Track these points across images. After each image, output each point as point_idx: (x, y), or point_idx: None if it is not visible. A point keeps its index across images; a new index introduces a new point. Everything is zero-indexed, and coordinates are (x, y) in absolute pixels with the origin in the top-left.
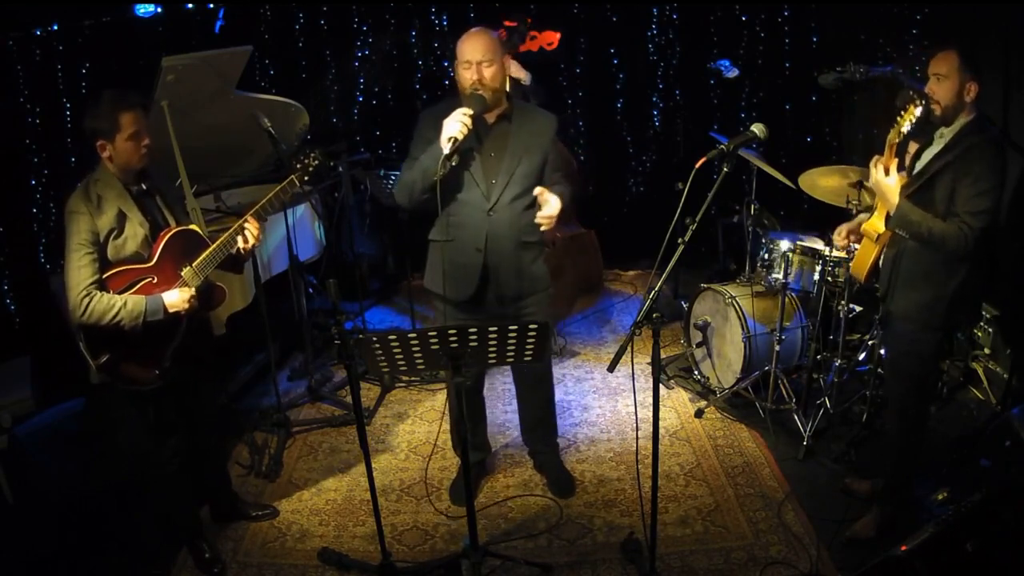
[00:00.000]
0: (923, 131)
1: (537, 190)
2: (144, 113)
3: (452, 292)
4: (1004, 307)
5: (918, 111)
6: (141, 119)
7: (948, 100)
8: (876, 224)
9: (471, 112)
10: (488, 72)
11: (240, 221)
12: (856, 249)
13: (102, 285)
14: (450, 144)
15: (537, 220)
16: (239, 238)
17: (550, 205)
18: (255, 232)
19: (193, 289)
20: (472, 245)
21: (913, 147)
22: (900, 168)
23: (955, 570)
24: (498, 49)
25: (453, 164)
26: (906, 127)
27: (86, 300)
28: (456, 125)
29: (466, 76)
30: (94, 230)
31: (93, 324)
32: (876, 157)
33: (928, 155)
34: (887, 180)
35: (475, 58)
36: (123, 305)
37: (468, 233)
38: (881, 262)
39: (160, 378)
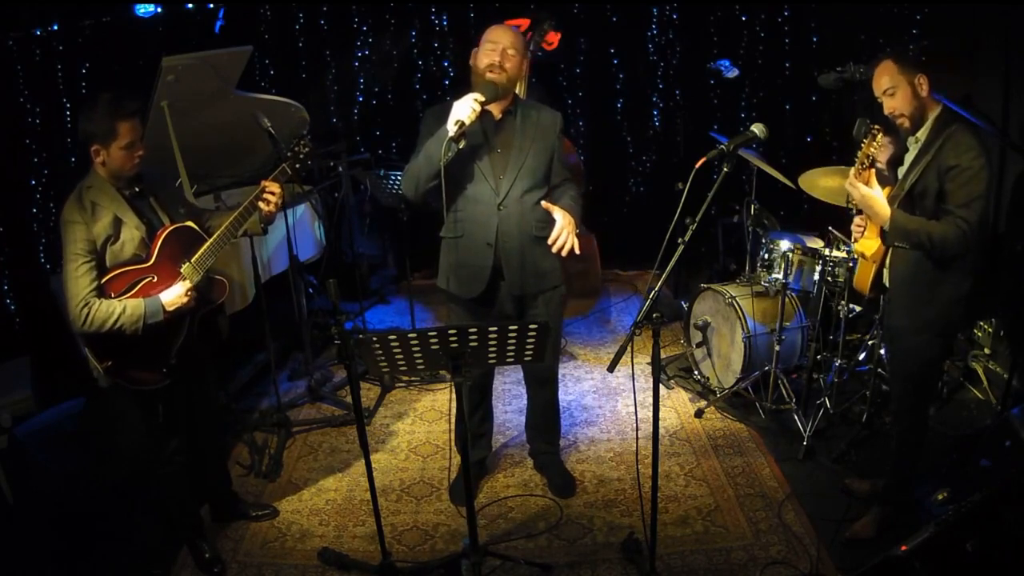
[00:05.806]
0: (898, 140)
1: (543, 204)
2: (141, 120)
3: (462, 289)
4: (1004, 307)
5: (879, 137)
6: (138, 128)
7: (908, 109)
8: (866, 245)
9: (482, 98)
10: (510, 62)
11: (244, 205)
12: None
13: (102, 289)
14: (457, 127)
15: (551, 244)
16: (260, 203)
17: (557, 223)
18: (277, 192)
19: (190, 282)
20: (483, 240)
21: (886, 153)
22: (883, 182)
23: (955, 570)
24: (525, 48)
25: (460, 148)
26: (868, 158)
27: (85, 311)
28: (465, 109)
29: (488, 57)
30: (90, 239)
31: (95, 332)
32: (852, 174)
33: (908, 160)
34: (873, 192)
35: (503, 43)
36: (122, 311)
37: (479, 228)
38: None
39: (167, 376)
